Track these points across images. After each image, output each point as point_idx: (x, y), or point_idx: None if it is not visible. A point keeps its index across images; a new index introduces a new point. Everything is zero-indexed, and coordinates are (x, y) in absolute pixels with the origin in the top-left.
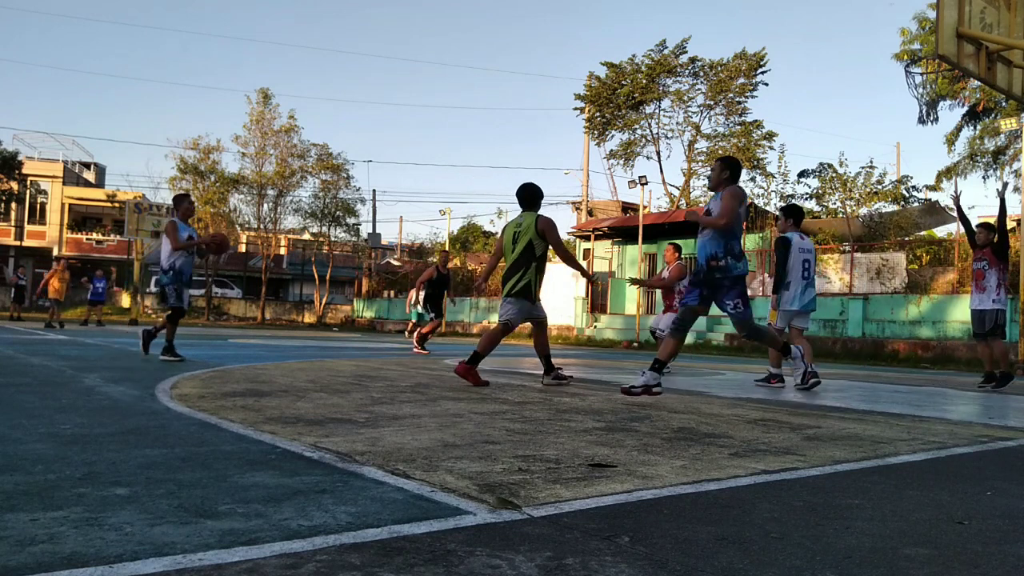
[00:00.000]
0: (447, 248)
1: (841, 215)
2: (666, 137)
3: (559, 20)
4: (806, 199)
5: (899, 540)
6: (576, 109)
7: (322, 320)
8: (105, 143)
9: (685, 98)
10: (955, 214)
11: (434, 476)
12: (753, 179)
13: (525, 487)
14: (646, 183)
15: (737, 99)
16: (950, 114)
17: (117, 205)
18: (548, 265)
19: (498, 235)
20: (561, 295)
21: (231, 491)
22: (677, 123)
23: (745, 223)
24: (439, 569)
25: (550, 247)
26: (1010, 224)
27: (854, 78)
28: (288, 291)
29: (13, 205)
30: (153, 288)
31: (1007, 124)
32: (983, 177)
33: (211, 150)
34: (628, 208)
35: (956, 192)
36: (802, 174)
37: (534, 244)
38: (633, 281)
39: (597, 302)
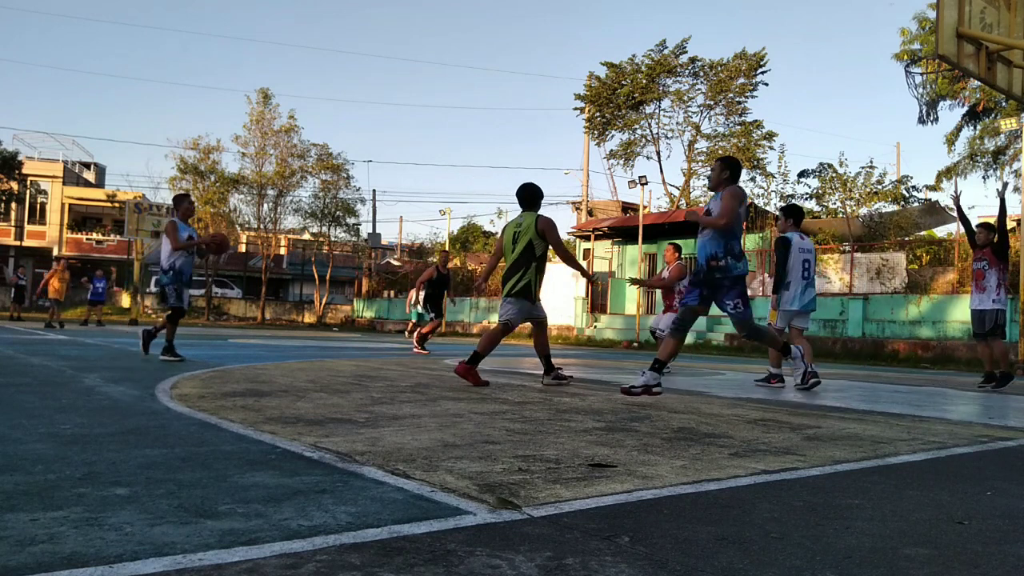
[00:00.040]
0: (447, 248)
1: (841, 215)
2: (666, 137)
3: (559, 20)
4: (806, 199)
5: (899, 540)
6: (576, 109)
7: (322, 320)
8: (105, 143)
9: (685, 98)
10: (955, 214)
11: (434, 476)
12: (753, 179)
13: (525, 487)
14: (646, 183)
15: (737, 99)
16: (950, 114)
17: (117, 205)
18: (548, 265)
19: (498, 235)
20: (561, 295)
21: (231, 491)
22: (677, 123)
23: (745, 223)
24: (439, 569)
25: (550, 247)
26: (1010, 224)
27: (854, 78)
28: (288, 291)
29: (13, 205)
30: (153, 288)
31: (1007, 124)
32: (983, 177)
33: (211, 150)
34: (628, 208)
35: (956, 192)
36: (802, 174)
37: (534, 244)
38: (633, 281)
39: (597, 302)
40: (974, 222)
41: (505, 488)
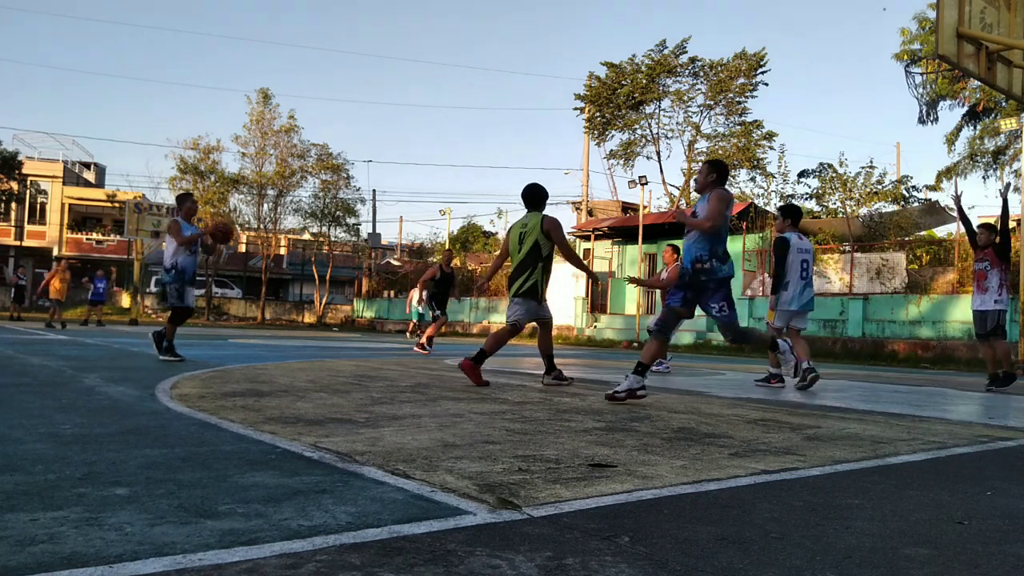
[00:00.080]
0: (450, 248)
1: (841, 215)
2: (666, 137)
3: (560, 20)
4: (806, 199)
5: (899, 540)
6: (576, 109)
7: (322, 320)
8: (105, 143)
9: (685, 98)
10: (956, 214)
11: (434, 476)
12: (753, 179)
13: (525, 487)
14: (646, 183)
15: (737, 99)
16: (950, 114)
17: (117, 205)
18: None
19: (502, 236)
20: (561, 295)
21: (231, 491)
22: (677, 123)
23: (745, 223)
24: (439, 569)
25: (556, 247)
26: (1011, 224)
27: (854, 78)
28: (288, 291)
29: (13, 205)
30: (153, 288)
31: (1007, 124)
32: (983, 177)
33: (211, 150)
34: (628, 208)
35: (957, 193)
36: (802, 174)
37: (540, 244)
38: (632, 280)
39: (597, 302)
40: (975, 222)
41: (505, 488)
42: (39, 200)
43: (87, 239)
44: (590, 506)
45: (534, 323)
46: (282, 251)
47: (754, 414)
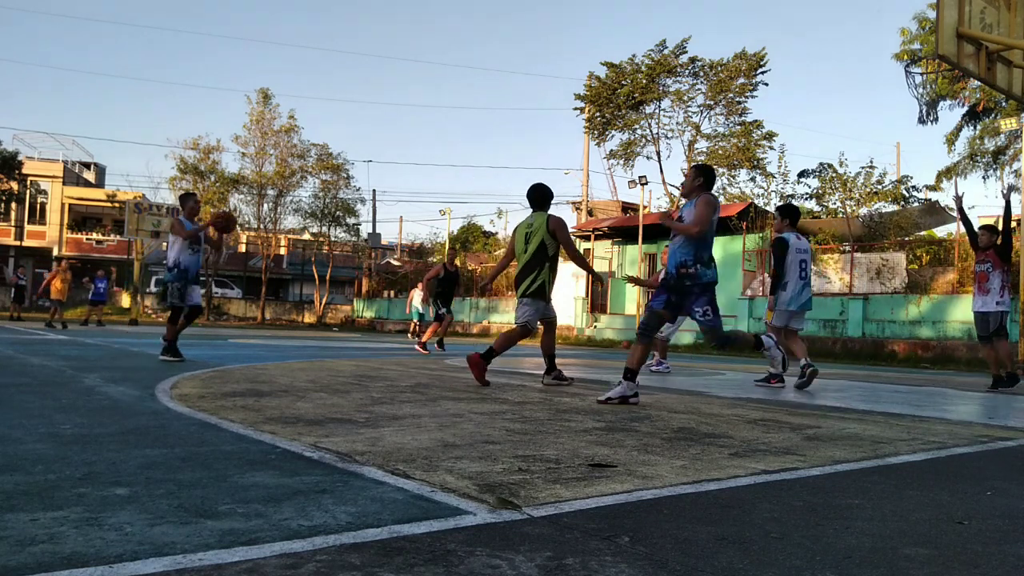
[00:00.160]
0: (455, 246)
1: (841, 215)
2: (666, 137)
3: (559, 20)
4: (806, 199)
5: (899, 540)
6: (576, 109)
7: (322, 320)
8: (105, 143)
9: (685, 98)
10: (956, 215)
11: (434, 476)
12: (753, 179)
13: (525, 487)
14: (646, 183)
15: (737, 99)
16: (950, 114)
17: (117, 205)
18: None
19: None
20: (561, 295)
21: (231, 491)
22: (677, 123)
23: (745, 223)
24: (439, 569)
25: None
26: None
27: (854, 78)
28: (288, 291)
29: (13, 205)
30: (153, 288)
31: (1007, 124)
32: (983, 177)
33: (211, 150)
34: (628, 208)
35: (958, 194)
36: (802, 174)
37: (546, 244)
38: (630, 279)
39: (597, 302)
40: (975, 223)
41: (505, 488)
42: (39, 200)
43: (87, 239)
44: (590, 506)
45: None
46: (282, 251)
47: (754, 414)
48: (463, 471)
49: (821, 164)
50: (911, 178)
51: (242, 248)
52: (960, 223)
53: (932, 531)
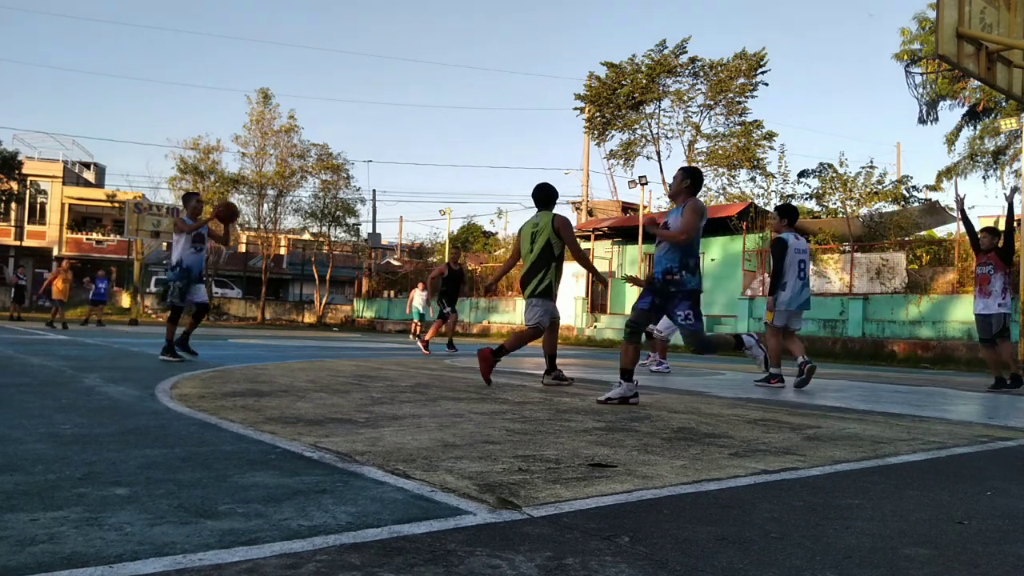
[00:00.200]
0: (457, 245)
1: (841, 215)
2: (666, 137)
3: (560, 20)
4: (806, 199)
5: (899, 540)
6: (576, 109)
7: (322, 320)
8: (105, 143)
9: (685, 98)
10: (956, 215)
11: (434, 476)
12: (753, 179)
13: (525, 487)
14: (646, 183)
15: (737, 99)
16: (950, 114)
17: (117, 205)
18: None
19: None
20: (561, 295)
21: (231, 491)
22: (677, 123)
23: (745, 224)
24: (439, 569)
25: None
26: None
27: (854, 78)
28: (288, 291)
29: (13, 205)
30: (153, 288)
31: (1007, 124)
32: (983, 177)
33: (211, 150)
34: (628, 208)
35: (960, 196)
36: (802, 174)
37: (552, 243)
38: (629, 278)
39: (597, 302)
40: (976, 224)
41: (505, 488)
42: (39, 200)
43: (87, 239)
44: (590, 506)
45: None
46: (282, 251)
47: (754, 414)
48: (463, 471)
49: (821, 164)
50: (911, 178)
51: (242, 248)
52: (960, 223)
53: (932, 531)
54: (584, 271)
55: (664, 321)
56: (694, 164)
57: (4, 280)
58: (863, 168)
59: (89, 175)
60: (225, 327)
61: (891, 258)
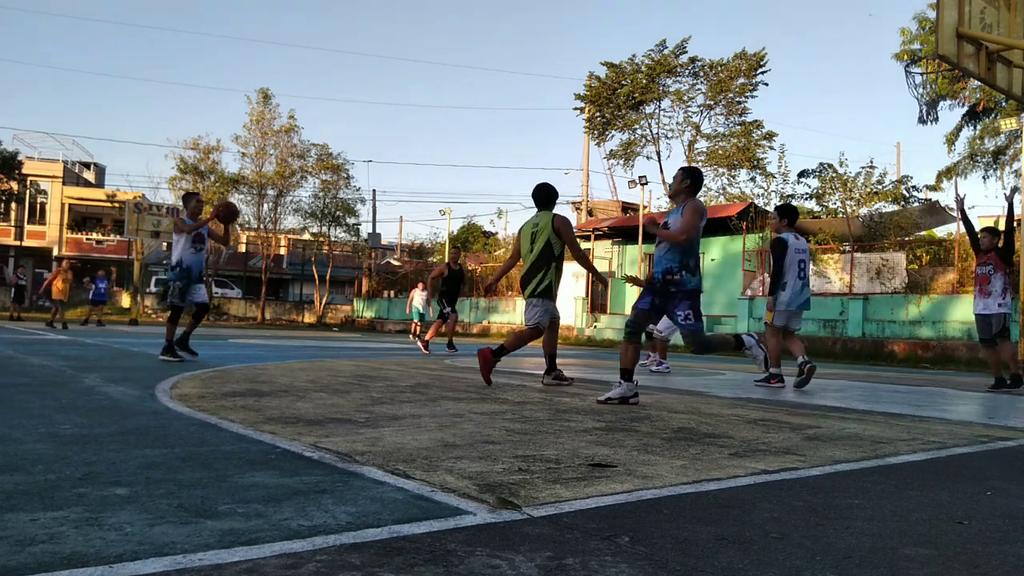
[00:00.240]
0: (457, 245)
1: (841, 215)
2: (666, 137)
3: (560, 20)
4: (806, 199)
5: (899, 540)
6: (576, 109)
7: (322, 320)
8: (105, 143)
9: (685, 98)
10: (956, 215)
11: (434, 476)
12: (753, 179)
13: (525, 487)
14: (646, 183)
15: (737, 99)
16: (950, 114)
17: (117, 205)
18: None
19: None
20: (561, 295)
21: (231, 491)
22: (677, 123)
23: (745, 223)
24: (439, 569)
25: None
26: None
27: (854, 78)
28: (288, 291)
29: (13, 205)
30: (153, 288)
31: (1007, 124)
32: (983, 177)
33: (211, 150)
34: (628, 208)
35: (960, 197)
36: (802, 174)
37: (552, 243)
38: (629, 278)
39: (597, 302)
40: (976, 224)
41: (505, 488)
42: (39, 200)
43: (87, 239)
44: (590, 506)
45: None
46: (282, 251)
47: (754, 414)
48: (463, 471)
49: (821, 164)
50: (911, 178)
51: (242, 248)
52: (960, 223)
53: (932, 531)
54: (584, 271)
55: (664, 321)
56: (694, 164)
57: (4, 280)
58: (863, 168)
59: (89, 175)
60: (225, 327)
61: (891, 258)
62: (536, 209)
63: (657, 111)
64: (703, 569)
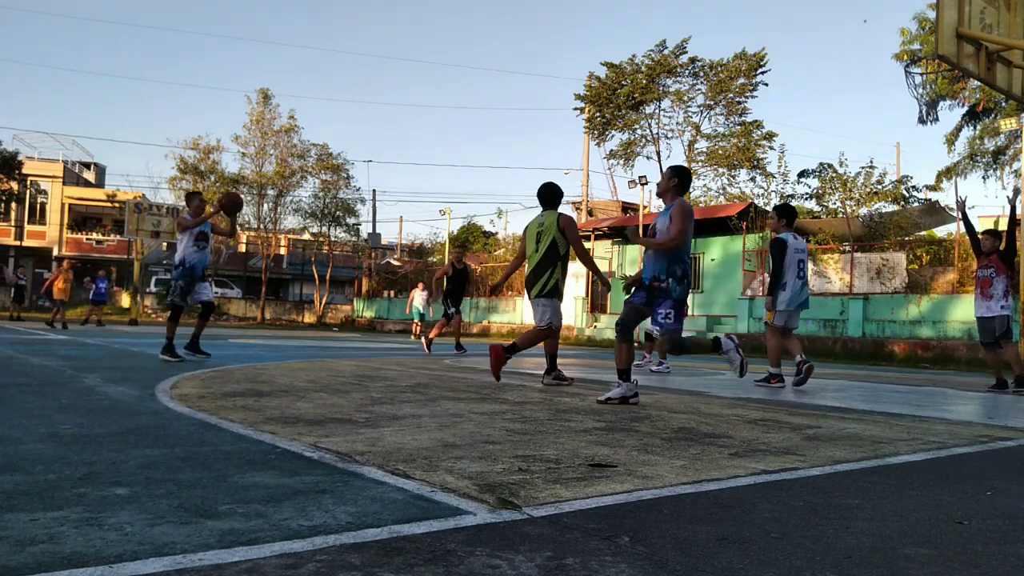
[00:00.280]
0: (461, 244)
1: (841, 215)
2: (666, 137)
3: (560, 20)
4: (806, 199)
5: (899, 540)
6: (576, 109)
7: (322, 320)
8: (105, 143)
9: (685, 98)
10: (956, 215)
11: (434, 476)
12: (753, 179)
13: (525, 487)
14: (646, 183)
15: (737, 99)
16: (950, 114)
17: (117, 205)
18: None
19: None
20: None
21: (231, 491)
22: (677, 123)
23: (745, 223)
24: (439, 569)
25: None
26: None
27: (854, 78)
28: (288, 291)
29: (13, 205)
30: (153, 288)
31: (1007, 124)
32: (983, 177)
33: (211, 150)
34: (628, 208)
35: (961, 198)
36: (802, 174)
37: (557, 242)
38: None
39: (597, 302)
40: (976, 224)
41: (505, 488)
42: (39, 200)
43: (87, 239)
44: (590, 506)
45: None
46: (282, 251)
47: (754, 414)
48: (463, 471)
49: (821, 164)
50: (911, 178)
51: (242, 248)
52: (960, 223)
53: (932, 531)
54: (584, 271)
55: None
56: (694, 164)
57: (4, 280)
58: (863, 168)
59: (89, 175)
60: (225, 327)
61: (891, 258)
62: (541, 208)
63: (657, 111)
64: (703, 569)
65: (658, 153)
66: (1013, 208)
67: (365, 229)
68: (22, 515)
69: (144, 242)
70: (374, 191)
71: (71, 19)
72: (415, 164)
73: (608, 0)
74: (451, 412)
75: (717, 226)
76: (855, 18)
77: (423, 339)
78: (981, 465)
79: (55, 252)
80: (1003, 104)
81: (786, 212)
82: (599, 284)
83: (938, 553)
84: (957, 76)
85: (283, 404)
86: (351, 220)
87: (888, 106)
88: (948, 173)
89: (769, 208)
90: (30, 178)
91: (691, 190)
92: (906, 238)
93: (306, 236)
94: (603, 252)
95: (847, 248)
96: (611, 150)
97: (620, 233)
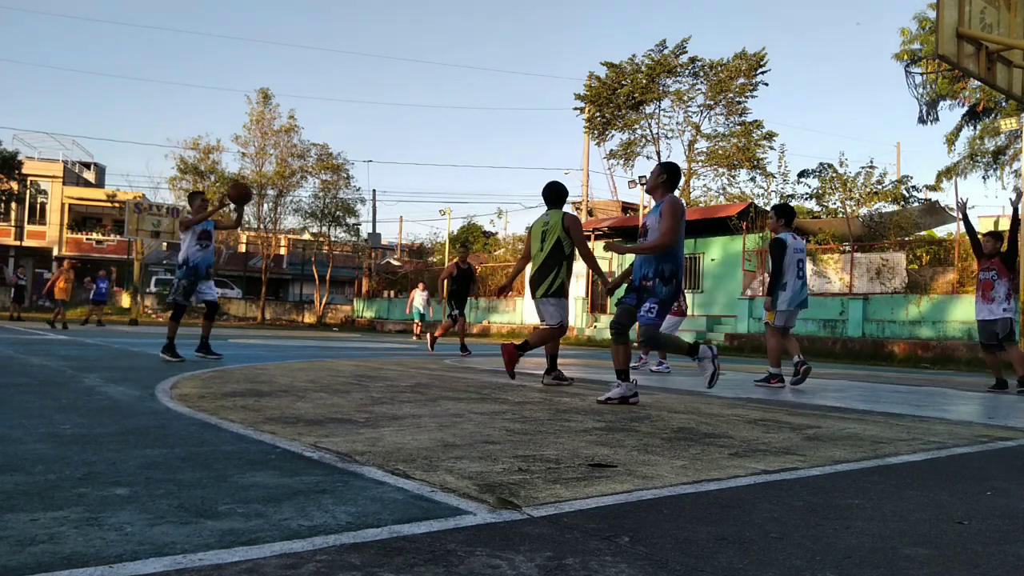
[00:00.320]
0: (467, 243)
1: (841, 215)
2: (666, 137)
3: (560, 20)
4: (806, 199)
5: (899, 540)
6: (576, 109)
7: (322, 320)
8: (105, 143)
9: (685, 98)
10: (957, 215)
11: (434, 476)
12: (753, 179)
13: (525, 487)
14: (646, 183)
15: (737, 99)
16: (950, 114)
17: (117, 205)
18: None
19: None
20: None
21: (231, 491)
22: (677, 123)
23: (745, 223)
24: (439, 569)
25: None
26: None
27: (854, 78)
28: (288, 291)
29: (13, 205)
30: (153, 288)
31: (1007, 124)
32: (983, 177)
33: (211, 150)
34: (628, 208)
35: (962, 199)
36: (802, 174)
37: (562, 241)
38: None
39: (597, 302)
40: (976, 224)
41: (505, 488)
42: (39, 200)
43: (87, 239)
44: (590, 506)
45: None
46: (282, 251)
47: (754, 414)
48: (463, 471)
49: (821, 164)
50: (911, 178)
51: (242, 248)
52: (960, 223)
53: (932, 531)
54: (585, 270)
55: (666, 321)
56: (694, 164)
57: (4, 280)
58: (863, 168)
59: (89, 175)
60: (225, 327)
61: (891, 258)
62: (546, 208)
63: (657, 111)
64: (703, 569)
65: (658, 153)
66: (1015, 209)
67: (365, 229)
68: (22, 515)
69: (144, 242)
70: (374, 191)
71: (71, 19)
72: (415, 164)
73: (608, 0)
74: (451, 412)
75: (717, 226)
76: (855, 18)
77: (427, 336)
78: (981, 465)
79: (55, 252)
80: (1003, 104)
81: (785, 212)
82: (599, 284)
83: (938, 553)
84: (957, 76)
85: (283, 404)
86: (351, 220)
87: (888, 106)
88: (948, 173)
89: (769, 208)
90: (30, 178)
91: (691, 190)
92: (906, 238)
93: (306, 236)
94: (603, 252)
95: (847, 248)
96: (611, 150)
97: (620, 233)
